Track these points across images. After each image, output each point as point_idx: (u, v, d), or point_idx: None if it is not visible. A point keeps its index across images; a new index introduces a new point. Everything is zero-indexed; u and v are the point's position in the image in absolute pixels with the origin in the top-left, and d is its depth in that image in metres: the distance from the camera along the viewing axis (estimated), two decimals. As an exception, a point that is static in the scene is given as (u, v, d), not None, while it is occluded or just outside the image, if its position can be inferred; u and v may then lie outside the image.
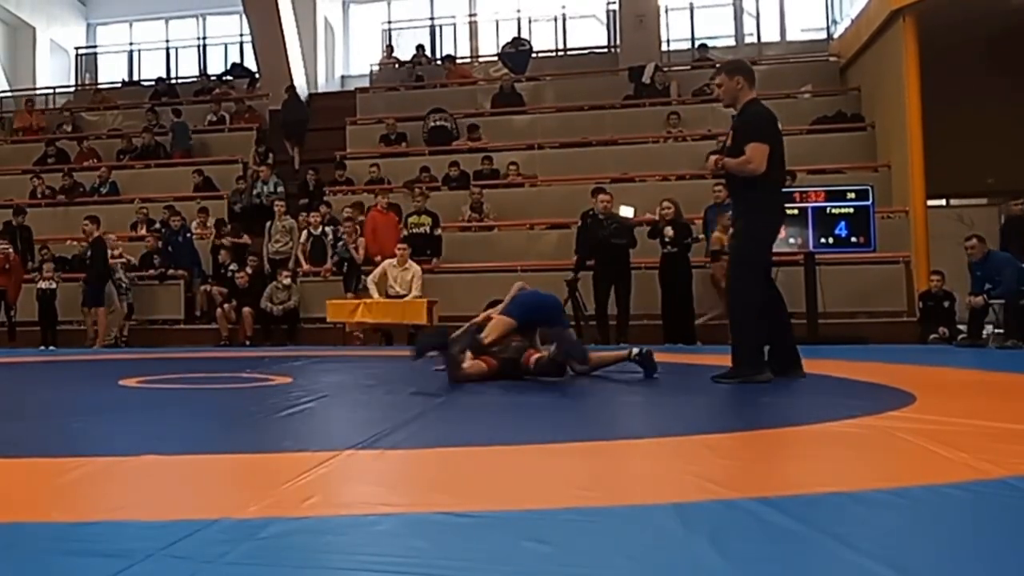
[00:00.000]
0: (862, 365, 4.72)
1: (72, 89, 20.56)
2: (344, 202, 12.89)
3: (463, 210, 12.63)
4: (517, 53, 16.86)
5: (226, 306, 11.40)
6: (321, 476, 2.39)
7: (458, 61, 17.90)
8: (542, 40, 18.64)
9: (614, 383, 5.00)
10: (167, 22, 21.97)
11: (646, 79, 15.18)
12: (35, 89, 20.13)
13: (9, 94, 19.81)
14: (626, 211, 10.14)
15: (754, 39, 18.77)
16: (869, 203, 9.48)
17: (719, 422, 3.54)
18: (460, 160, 13.57)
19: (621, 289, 9.91)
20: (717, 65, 15.41)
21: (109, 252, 11.57)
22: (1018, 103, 13.38)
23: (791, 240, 9.64)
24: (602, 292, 9.95)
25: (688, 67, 16.38)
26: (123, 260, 11.95)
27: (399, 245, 10.87)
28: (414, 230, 11.61)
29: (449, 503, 2.06)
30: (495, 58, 17.62)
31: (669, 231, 9.89)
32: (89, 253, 11.49)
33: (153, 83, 18.88)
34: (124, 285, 11.80)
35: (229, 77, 18.62)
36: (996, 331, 9.47)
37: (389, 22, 20.44)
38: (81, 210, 13.19)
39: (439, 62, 18.17)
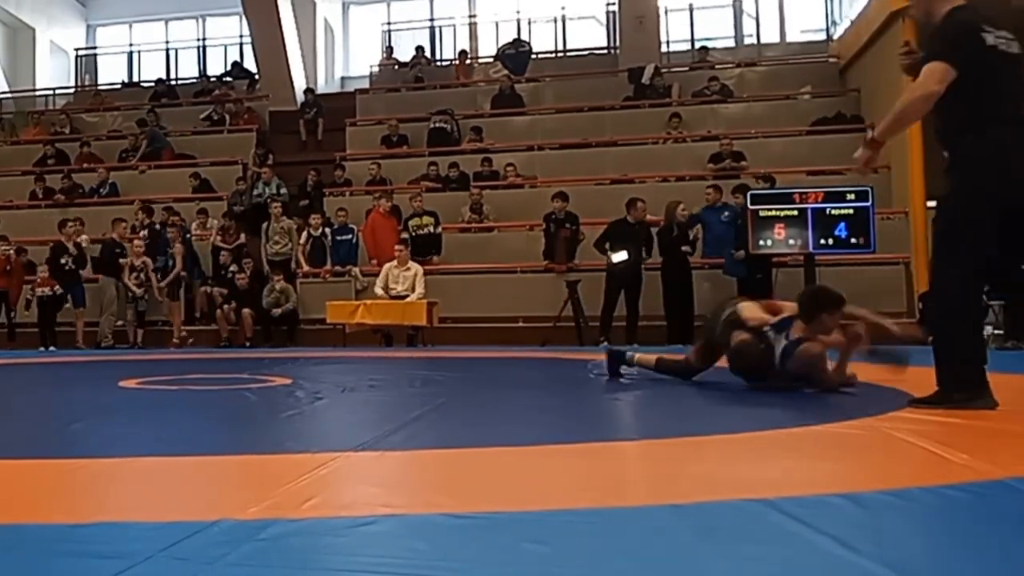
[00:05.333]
0: (862, 366, 4.71)
1: (72, 90, 20.56)
2: (342, 203, 12.90)
3: (463, 211, 12.63)
4: (517, 54, 16.85)
5: (226, 307, 11.40)
6: (321, 477, 2.39)
7: (456, 62, 17.89)
8: (542, 41, 18.62)
9: (614, 385, 5.00)
10: (167, 23, 21.94)
11: (646, 80, 15.17)
12: (35, 90, 20.12)
13: (9, 95, 19.79)
14: (617, 257, 10.08)
15: (754, 40, 18.76)
16: (869, 204, 9.47)
17: (719, 424, 3.54)
18: (460, 161, 13.58)
19: (632, 292, 9.97)
20: (715, 66, 15.62)
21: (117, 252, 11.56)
22: (1018, 104, 13.36)
23: (791, 241, 9.65)
24: (613, 293, 9.98)
25: (688, 68, 16.37)
26: (132, 262, 11.50)
27: (397, 246, 10.87)
28: (417, 232, 11.61)
29: (449, 504, 2.06)
30: (494, 59, 17.60)
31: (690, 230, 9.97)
32: (48, 257, 11.46)
33: (153, 84, 18.88)
34: (133, 294, 11.46)
35: (229, 78, 18.61)
36: (995, 332, 9.46)
37: (389, 23, 20.42)
38: (81, 211, 13.18)
39: (449, 61, 18.14)
